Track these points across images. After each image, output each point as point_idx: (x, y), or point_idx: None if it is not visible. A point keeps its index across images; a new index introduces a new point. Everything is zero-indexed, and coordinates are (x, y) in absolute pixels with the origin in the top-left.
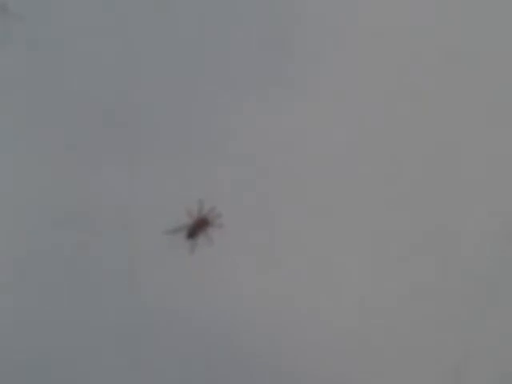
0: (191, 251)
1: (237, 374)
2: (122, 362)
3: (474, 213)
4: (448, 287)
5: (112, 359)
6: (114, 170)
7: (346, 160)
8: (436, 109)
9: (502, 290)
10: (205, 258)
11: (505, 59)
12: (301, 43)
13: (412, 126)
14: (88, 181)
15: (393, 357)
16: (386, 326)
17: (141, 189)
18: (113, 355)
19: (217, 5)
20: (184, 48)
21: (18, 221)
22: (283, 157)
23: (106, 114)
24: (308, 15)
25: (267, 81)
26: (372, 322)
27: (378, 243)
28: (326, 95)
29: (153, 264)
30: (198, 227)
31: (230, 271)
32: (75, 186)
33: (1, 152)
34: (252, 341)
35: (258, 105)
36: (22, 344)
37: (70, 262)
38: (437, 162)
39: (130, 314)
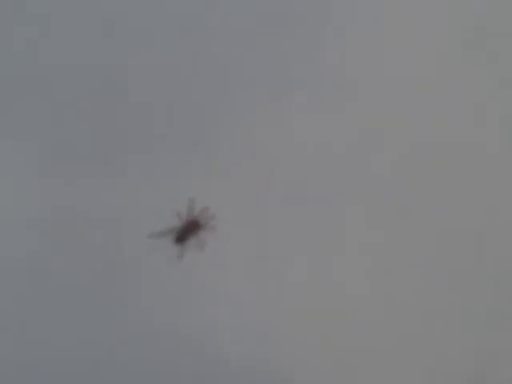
0: (180, 257)
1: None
2: (103, 374)
3: (493, 218)
4: (467, 293)
5: (90, 371)
6: (98, 167)
7: (344, 162)
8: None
9: None
10: (195, 265)
11: None
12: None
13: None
14: (71, 180)
15: (410, 366)
16: (402, 336)
17: (125, 187)
18: (91, 365)
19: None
20: (174, 43)
21: None
22: (280, 155)
23: (92, 109)
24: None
25: (257, 79)
26: (380, 333)
27: (383, 249)
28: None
29: (136, 271)
30: (188, 230)
31: (224, 280)
32: (58, 185)
33: None
34: (247, 352)
35: (251, 103)
36: None
37: (46, 267)
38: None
39: (112, 325)
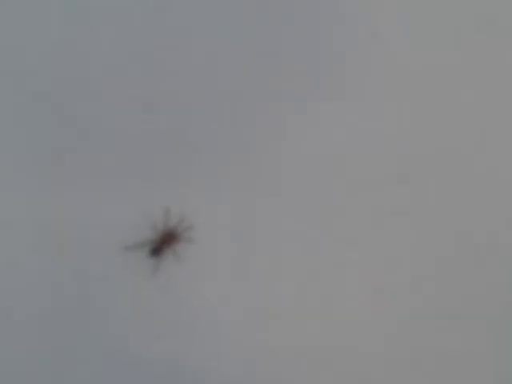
0: (154, 271)
1: None
2: None
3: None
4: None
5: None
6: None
7: (330, 170)
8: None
9: None
10: (171, 279)
11: None
12: None
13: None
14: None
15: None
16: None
17: (95, 196)
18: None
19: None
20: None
21: None
22: (264, 160)
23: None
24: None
25: (239, 81)
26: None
27: (376, 262)
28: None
29: (107, 286)
30: (163, 243)
31: (202, 295)
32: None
33: None
34: (228, 369)
35: (231, 105)
36: None
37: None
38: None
39: (83, 346)
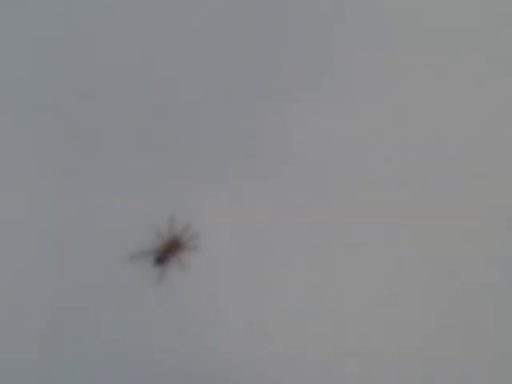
0: (159, 280)
1: None
2: None
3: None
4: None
5: None
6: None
7: (339, 171)
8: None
9: None
10: (176, 288)
11: None
12: None
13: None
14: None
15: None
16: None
17: (99, 203)
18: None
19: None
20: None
21: None
22: (268, 167)
23: (66, 123)
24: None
25: (242, 86)
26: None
27: (381, 266)
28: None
29: (111, 295)
30: (168, 251)
31: (208, 303)
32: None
33: None
34: (235, 376)
35: (233, 111)
36: None
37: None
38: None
39: (87, 354)
